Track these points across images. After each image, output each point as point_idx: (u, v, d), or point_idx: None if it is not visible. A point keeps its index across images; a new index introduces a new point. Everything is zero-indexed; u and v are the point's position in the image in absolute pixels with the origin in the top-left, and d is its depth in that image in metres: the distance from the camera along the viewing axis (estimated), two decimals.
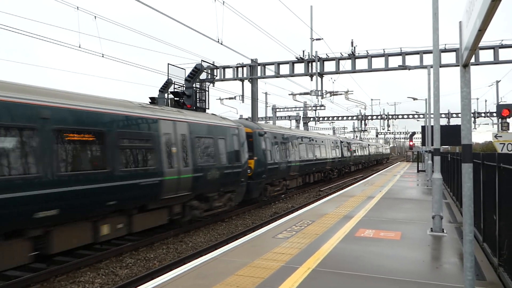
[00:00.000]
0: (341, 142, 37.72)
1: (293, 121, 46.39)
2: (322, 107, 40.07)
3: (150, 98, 25.30)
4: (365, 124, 59.20)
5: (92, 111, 9.64)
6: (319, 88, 27.91)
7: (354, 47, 25.90)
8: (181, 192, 12.54)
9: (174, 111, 13.72)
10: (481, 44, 23.47)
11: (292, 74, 27.23)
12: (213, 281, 5.92)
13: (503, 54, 22.85)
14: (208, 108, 22.64)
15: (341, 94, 34.48)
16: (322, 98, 29.29)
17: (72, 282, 8.66)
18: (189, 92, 21.39)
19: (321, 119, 49.83)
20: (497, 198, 6.15)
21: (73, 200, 8.84)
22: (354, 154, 44.01)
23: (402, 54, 24.90)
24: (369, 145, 58.18)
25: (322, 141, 31.44)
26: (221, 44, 18.68)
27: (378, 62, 27.19)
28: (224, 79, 28.29)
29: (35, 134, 8.13)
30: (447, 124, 44.09)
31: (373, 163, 61.86)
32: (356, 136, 66.87)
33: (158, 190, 11.52)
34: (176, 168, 12.32)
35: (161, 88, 25.23)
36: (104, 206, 9.76)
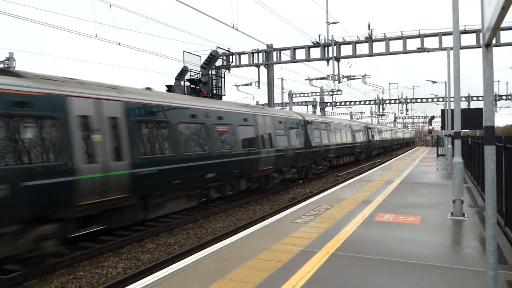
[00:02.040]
0: (369, 128, 41.16)
1: (310, 107, 46.12)
2: (339, 92, 39.72)
3: (167, 86, 25.44)
4: (383, 109, 58.52)
5: (227, 111, 15.48)
6: (336, 73, 27.66)
7: (371, 30, 25.50)
8: (268, 166, 17.30)
9: (259, 108, 18.74)
10: (503, 25, 22.85)
11: (308, 59, 27.00)
12: (234, 265, 6.01)
13: None
14: (224, 95, 22.66)
15: (358, 78, 34.08)
16: (339, 82, 29.06)
17: (96, 266, 8.88)
18: (205, 79, 21.43)
19: (338, 104, 49.44)
20: None
21: (223, 168, 14.19)
22: (380, 138, 48.58)
23: (421, 36, 24.41)
24: (391, 130, 63.74)
25: (353, 127, 34.88)
26: (237, 30, 18.62)
27: (396, 45, 26.69)
28: (239, 65, 28.24)
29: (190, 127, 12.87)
30: (467, 107, 43.28)
31: (397, 147, 67.61)
32: (378, 122, 66.59)
33: (259, 163, 16.62)
34: (267, 149, 17.14)
35: (177, 75, 25.33)
36: (233, 173, 15.00)
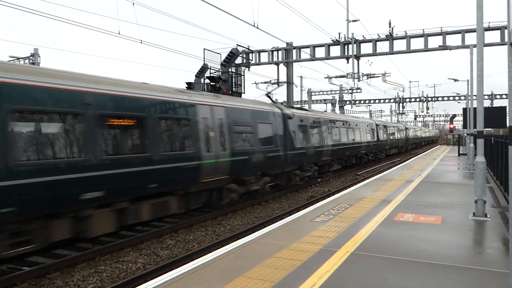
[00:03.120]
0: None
1: (329, 105, 45.85)
2: (359, 90, 39.37)
3: (187, 83, 25.61)
4: (403, 107, 57.78)
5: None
6: (355, 71, 27.43)
7: (392, 28, 25.18)
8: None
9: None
10: None
11: (327, 57, 26.83)
12: (252, 263, 6.04)
13: None
14: (244, 93, 22.72)
15: (378, 76, 33.74)
16: (358, 81, 28.80)
17: (116, 261, 9.03)
18: (225, 77, 21.52)
19: (357, 102, 49.02)
20: None
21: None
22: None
23: (443, 34, 23.99)
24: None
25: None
26: (257, 28, 18.63)
27: (417, 43, 26.34)
28: (259, 63, 28.24)
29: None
30: (490, 105, 42.40)
31: (413, 146, 62.81)
32: (398, 120, 65.89)
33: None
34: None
35: (197, 73, 25.50)
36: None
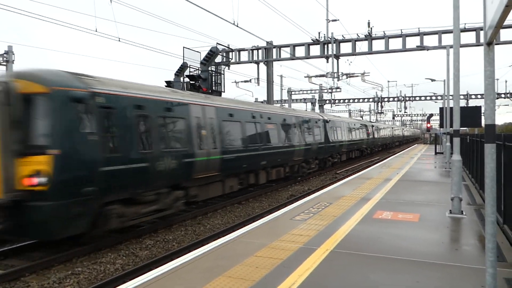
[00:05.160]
0: (372, 126, 46.46)
1: (309, 104, 46.09)
2: (338, 90, 39.71)
3: (166, 81, 25.37)
4: (382, 106, 58.55)
5: (290, 115, 22.02)
6: (335, 70, 27.62)
7: (371, 28, 25.47)
8: (300, 157, 22.17)
9: (308, 112, 27.53)
10: (505, 22, 22.84)
11: (307, 56, 26.97)
12: (232, 262, 6.00)
13: None
14: (224, 92, 22.62)
15: (357, 76, 34.11)
16: (338, 80, 29.04)
17: (94, 262, 8.87)
18: (205, 75, 21.39)
19: (337, 101, 49.42)
20: None
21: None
22: (384, 135, 54.54)
23: (420, 34, 24.39)
24: (373, 126, 61.50)
25: (359, 126, 39.15)
26: (237, 26, 18.57)
27: (395, 43, 26.79)
28: (239, 62, 28.18)
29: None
30: (465, 105, 43.33)
31: (401, 143, 75.47)
32: (377, 120, 66.80)
33: (311, 151, 23.72)
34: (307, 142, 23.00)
35: (176, 71, 25.26)
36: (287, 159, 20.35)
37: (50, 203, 8.23)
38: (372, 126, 46.24)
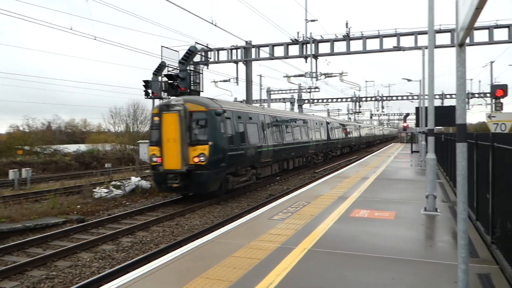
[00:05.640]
0: (360, 126, 54.88)
1: (288, 104, 46.28)
2: (317, 89, 39.99)
3: (144, 81, 25.06)
4: (360, 106, 59.23)
5: (311, 119, 31.60)
6: (314, 70, 27.78)
7: (349, 29, 25.70)
8: (312, 150, 29.22)
9: (312, 115, 34.76)
10: (476, 24, 23.39)
11: (286, 56, 27.05)
12: (210, 263, 5.97)
13: (498, 34, 22.74)
14: (202, 91, 22.50)
15: (335, 76, 34.38)
16: (316, 80, 29.20)
17: (69, 266, 8.71)
18: (183, 75, 21.25)
19: (315, 101, 49.77)
20: (490, 177, 6.20)
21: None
22: (368, 134, 64.01)
23: (397, 35, 24.75)
24: (375, 127, 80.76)
25: (350, 126, 47.10)
26: (215, 25, 18.49)
27: (373, 44, 27.03)
28: (218, 62, 28.06)
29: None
30: (441, 105, 44.19)
31: (381, 142, 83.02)
32: (355, 119, 67.70)
33: (319, 146, 30.95)
34: (316, 139, 30.47)
35: (154, 70, 25.01)
36: (302, 153, 26.90)
37: (207, 172, 15.02)
38: (360, 126, 54.83)
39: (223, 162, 15.59)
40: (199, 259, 6.19)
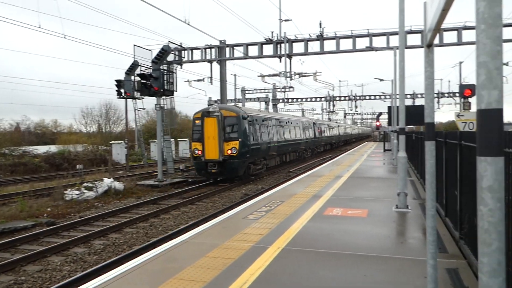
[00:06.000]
0: (339, 125, 63.24)
1: (263, 103, 46.38)
2: (291, 89, 40.25)
3: (116, 80, 24.64)
4: (333, 105, 59.90)
5: (298, 120, 36.90)
6: (288, 70, 27.93)
7: (323, 29, 25.95)
8: (303, 146, 34.70)
9: (300, 117, 42.91)
10: (446, 25, 24.04)
11: (260, 56, 27.08)
12: (184, 264, 5.92)
13: (466, 35, 23.39)
14: (176, 91, 22.29)
15: (309, 75, 34.65)
16: (290, 79, 29.38)
17: (39, 270, 8.48)
18: (156, 74, 21.00)
19: (290, 100, 50.06)
20: (458, 174, 6.37)
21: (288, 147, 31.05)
22: (346, 132, 71.97)
23: (369, 35, 25.13)
24: (351, 126, 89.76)
25: (332, 126, 54.63)
26: (188, 24, 18.35)
27: (346, 44, 27.30)
28: (192, 61, 27.86)
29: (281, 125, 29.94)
30: (412, 104, 45.14)
31: (357, 140, 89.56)
32: (329, 118, 68.49)
33: (308, 143, 36.78)
34: (312, 138, 38.62)
35: (127, 70, 24.62)
36: (297, 148, 33.02)
37: (237, 161, 20.33)
38: (339, 126, 62.63)
39: (247, 154, 21.37)
40: (173, 260, 6.13)
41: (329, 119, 67.62)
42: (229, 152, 20.39)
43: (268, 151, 25.10)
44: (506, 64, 26.82)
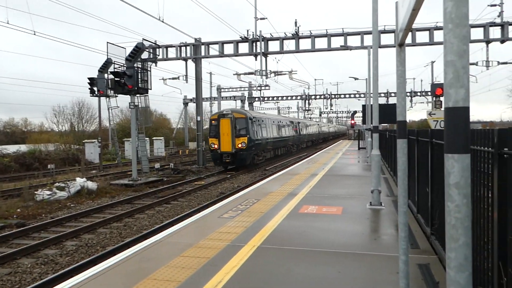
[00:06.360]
0: (319, 124, 69.70)
1: (238, 102, 46.33)
2: (267, 87, 40.32)
3: (89, 78, 24.17)
4: (309, 104, 60.35)
5: (287, 119, 43.82)
6: (264, 68, 28.00)
7: (298, 27, 26.12)
8: (290, 142, 41.17)
9: (288, 117, 51.13)
10: (418, 26, 24.51)
11: (236, 54, 27.06)
12: (158, 264, 5.85)
13: (438, 35, 23.95)
14: (151, 89, 22.02)
15: (285, 74, 34.82)
16: (266, 78, 29.46)
17: (8, 273, 8.24)
18: (130, 72, 20.69)
19: (266, 99, 50.16)
20: (429, 171, 6.51)
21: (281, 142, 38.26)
22: (324, 131, 77.52)
23: (344, 35, 25.43)
24: (329, 125, 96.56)
25: (313, 125, 61.42)
26: (163, 22, 18.15)
27: (321, 43, 27.60)
28: (167, 59, 27.60)
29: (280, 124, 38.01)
30: (386, 103, 45.92)
31: (334, 138, 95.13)
32: (305, 116, 68.95)
33: (294, 140, 43.01)
34: (298, 135, 45.06)
35: (100, 68, 24.19)
36: (286, 144, 39.90)
37: (245, 152, 26.19)
38: (319, 124, 69.71)
39: (253, 147, 27.29)
40: (147, 260, 6.05)
41: (305, 117, 68.12)
42: (240, 145, 26.13)
43: (266, 146, 31.34)
44: (476, 63, 27.57)
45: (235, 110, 28.56)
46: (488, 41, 24.23)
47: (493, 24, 23.80)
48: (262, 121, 30.73)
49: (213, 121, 27.16)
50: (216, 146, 26.24)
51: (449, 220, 1.68)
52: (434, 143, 6.17)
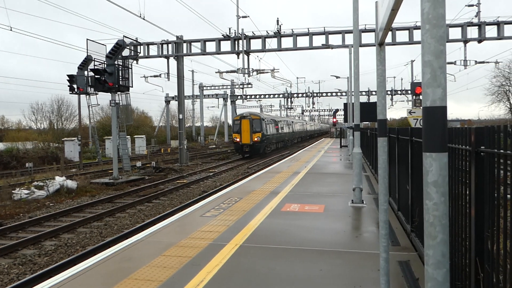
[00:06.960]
0: (306, 123, 78.51)
1: (221, 100, 46.19)
2: (249, 85, 40.35)
3: (68, 75, 23.76)
4: (291, 102, 60.58)
5: (281, 119, 52.40)
6: (246, 66, 27.98)
7: (280, 26, 26.16)
8: (287, 138, 52.05)
9: (285, 117, 63.12)
10: (398, 25, 24.82)
11: (218, 52, 26.96)
12: (139, 264, 5.80)
13: (418, 35, 24.27)
14: (132, 86, 21.79)
15: (267, 72, 34.85)
16: (248, 76, 29.44)
17: None
18: (111, 70, 20.43)
19: (248, 97, 50.15)
20: (409, 169, 6.60)
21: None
22: (310, 129, 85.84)
23: (326, 33, 25.58)
24: (314, 123, 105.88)
25: (302, 123, 69.91)
26: (143, 19, 17.96)
27: (303, 41, 27.69)
28: (148, 56, 27.33)
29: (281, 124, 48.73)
30: (367, 101, 46.44)
31: (318, 135, 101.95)
32: (287, 115, 69.35)
33: (288, 136, 53.10)
34: (291, 132, 55.27)
35: (80, 65, 23.80)
36: (284, 139, 50.22)
37: (259, 144, 36.01)
38: (306, 123, 79.53)
39: (265, 141, 35.91)
40: (128, 260, 5.99)
41: (287, 115, 68.57)
42: (255, 139, 35.12)
43: (272, 140, 40.54)
44: (454, 63, 28.06)
45: (252, 113, 37.84)
46: (466, 41, 24.69)
47: (471, 24, 24.26)
48: (270, 121, 40.28)
49: (236, 121, 36.45)
50: (238, 140, 35.25)
51: (427, 218, 1.70)
52: (414, 141, 6.25)
